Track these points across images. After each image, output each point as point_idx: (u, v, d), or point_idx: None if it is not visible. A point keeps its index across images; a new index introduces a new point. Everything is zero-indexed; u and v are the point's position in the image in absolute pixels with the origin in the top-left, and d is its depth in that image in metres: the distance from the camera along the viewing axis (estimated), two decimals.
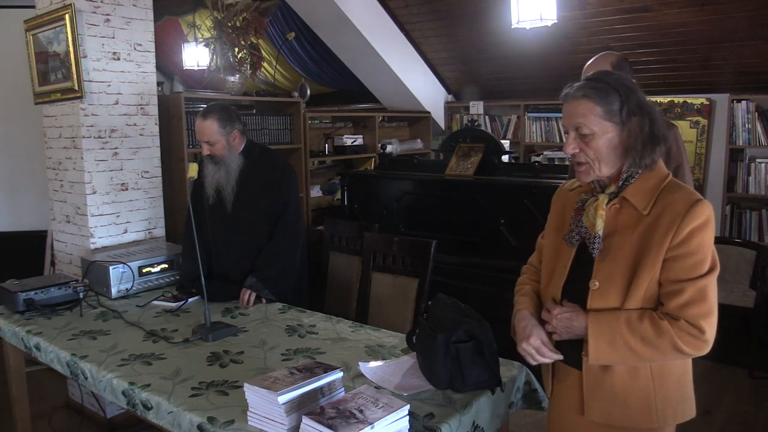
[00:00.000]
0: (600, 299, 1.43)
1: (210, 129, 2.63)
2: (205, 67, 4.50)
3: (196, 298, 2.60)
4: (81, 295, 2.56)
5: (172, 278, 2.87)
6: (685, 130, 4.49)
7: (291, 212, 2.74)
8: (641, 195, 1.42)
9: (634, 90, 1.43)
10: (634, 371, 1.44)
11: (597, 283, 1.44)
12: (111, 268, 2.66)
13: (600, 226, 1.44)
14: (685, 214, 1.36)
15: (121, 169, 3.22)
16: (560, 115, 1.55)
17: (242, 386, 1.56)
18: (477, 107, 5.58)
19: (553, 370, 1.60)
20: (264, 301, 2.60)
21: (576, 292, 1.48)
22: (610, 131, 1.41)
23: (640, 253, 1.40)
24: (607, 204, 1.45)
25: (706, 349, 1.37)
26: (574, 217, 1.51)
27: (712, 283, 1.37)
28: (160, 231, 3.42)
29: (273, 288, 2.62)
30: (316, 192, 4.79)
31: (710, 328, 1.35)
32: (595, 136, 1.41)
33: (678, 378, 1.46)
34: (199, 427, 1.56)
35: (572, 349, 1.47)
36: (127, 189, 3.25)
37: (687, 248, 1.36)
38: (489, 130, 5.40)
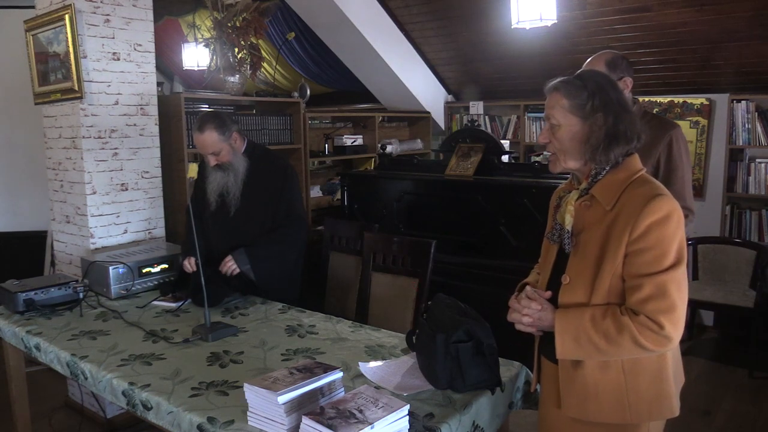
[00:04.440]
0: (570, 294, 1.48)
1: (211, 139, 2.62)
2: (205, 68, 4.50)
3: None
4: (81, 296, 2.56)
5: (172, 278, 2.87)
6: (685, 130, 4.48)
7: (296, 216, 2.74)
8: (606, 191, 1.45)
9: (604, 88, 1.46)
10: (604, 366, 1.46)
11: (568, 278, 1.49)
12: (111, 268, 2.65)
13: (569, 222, 1.50)
14: (642, 209, 1.38)
15: (121, 170, 3.22)
16: None
17: (242, 386, 1.55)
18: (477, 107, 5.57)
19: (539, 364, 1.65)
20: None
21: (555, 287, 1.53)
22: (575, 125, 1.46)
23: (604, 248, 1.43)
24: (578, 200, 1.50)
25: (669, 345, 1.37)
26: (553, 215, 1.58)
27: (674, 279, 1.36)
28: (160, 231, 3.42)
29: (257, 267, 2.60)
30: (316, 192, 4.79)
31: (670, 323, 1.35)
32: (561, 128, 1.48)
33: (653, 374, 1.46)
34: (199, 427, 1.57)
35: (550, 344, 1.49)
36: (127, 189, 3.25)
37: (645, 243, 1.37)
38: (489, 130, 5.40)
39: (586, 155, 1.47)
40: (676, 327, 1.35)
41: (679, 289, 1.36)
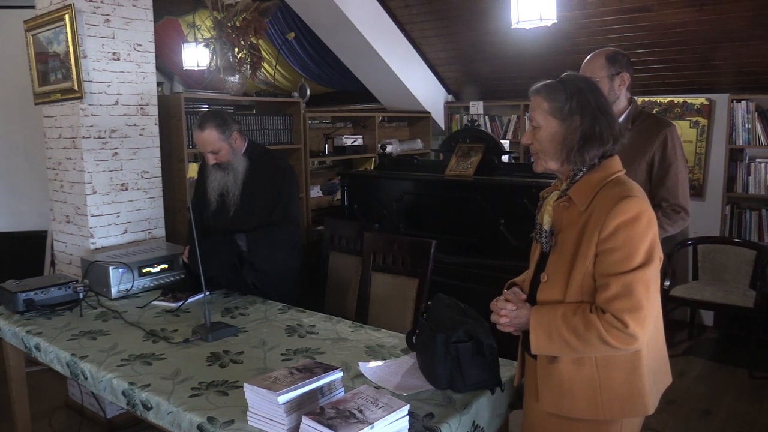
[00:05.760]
0: (547, 291, 1.52)
1: (210, 138, 2.62)
2: (205, 68, 4.50)
3: (197, 297, 2.58)
4: (81, 296, 2.56)
5: (172, 278, 2.87)
6: (685, 130, 4.49)
7: (290, 219, 2.74)
8: (582, 193, 1.49)
9: (582, 91, 1.50)
10: (579, 362, 1.49)
11: (546, 276, 1.53)
12: (111, 268, 2.65)
13: (547, 222, 1.55)
14: (611, 209, 1.41)
15: (121, 170, 3.22)
16: None
17: (242, 386, 1.56)
18: (477, 107, 5.58)
19: (523, 359, 1.69)
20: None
21: (537, 285, 1.57)
22: (553, 126, 1.51)
23: (577, 248, 1.46)
24: (556, 201, 1.54)
25: (635, 344, 1.40)
26: (536, 215, 1.62)
27: (641, 279, 1.39)
28: (160, 231, 3.42)
29: (251, 253, 2.65)
30: (316, 192, 4.79)
31: (635, 322, 1.37)
32: (541, 129, 1.54)
33: (626, 372, 1.48)
34: (199, 427, 1.57)
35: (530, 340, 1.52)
36: (127, 189, 3.25)
37: (613, 243, 1.41)
38: (489, 130, 5.40)
39: (563, 156, 1.52)
40: (641, 326, 1.38)
41: (646, 288, 1.39)
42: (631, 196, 1.42)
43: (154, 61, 3.32)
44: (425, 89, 5.54)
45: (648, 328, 1.40)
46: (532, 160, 1.64)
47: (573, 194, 1.50)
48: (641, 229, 1.40)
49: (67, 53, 3.00)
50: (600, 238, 1.42)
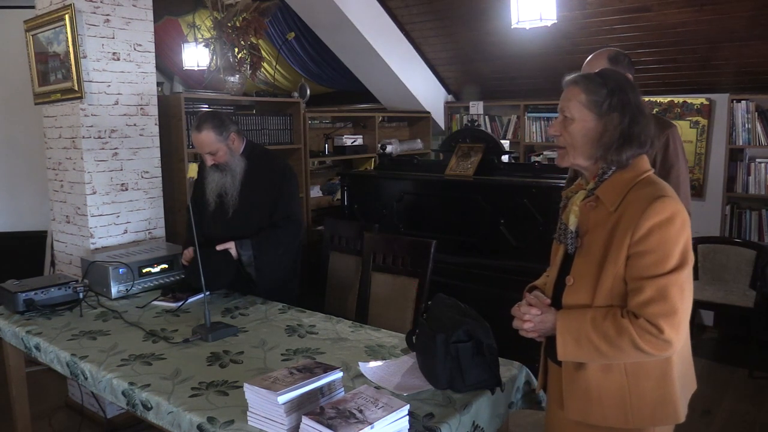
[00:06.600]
0: (573, 295, 1.47)
1: (208, 139, 2.62)
2: (205, 68, 4.51)
3: (197, 297, 2.58)
4: (81, 296, 2.56)
5: (172, 278, 2.87)
6: (685, 130, 4.49)
7: (294, 219, 2.74)
8: (611, 192, 1.44)
9: (624, 89, 1.45)
10: (607, 369, 1.44)
11: (572, 279, 1.48)
12: (111, 268, 2.65)
13: (573, 223, 1.49)
14: (644, 211, 1.36)
15: (121, 170, 3.22)
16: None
17: (242, 386, 1.56)
18: (477, 107, 5.57)
19: (545, 366, 1.65)
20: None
21: (561, 288, 1.52)
22: (589, 121, 1.45)
23: (606, 250, 1.41)
24: (583, 201, 1.49)
25: (669, 350, 1.35)
26: (560, 215, 1.57)
27: (676, 282, 1.34)
28: (160, 231, 3.42)
29: (259, 259, 2.63)
30: (316, 192, 4.79)
31: (670, 327, 1.32)
32: (574, 121, 1.47)
33: (657, 379, 1.44)
34: (199, 427, 1.57)
35: (554, 346, 1.48)
36: (127, 189, 3.25)
37: (646, 245, 1.36)
38: (489, 130, 5.40)
39: (597, 154, 1.45)
40: (676, 331, 1.33)
41: (681, 292, 1.34)
42: (664, 196, 1.37)
43: (154, 61, 3.32)
44: (425, 89, 5.54)
45: (683, 334, 1.35)
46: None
47: (601, 194, 1.45)
48: (675, 230, 1.35)
49: (67, 53, 3.00)
50: (632, 240, 1.36)
